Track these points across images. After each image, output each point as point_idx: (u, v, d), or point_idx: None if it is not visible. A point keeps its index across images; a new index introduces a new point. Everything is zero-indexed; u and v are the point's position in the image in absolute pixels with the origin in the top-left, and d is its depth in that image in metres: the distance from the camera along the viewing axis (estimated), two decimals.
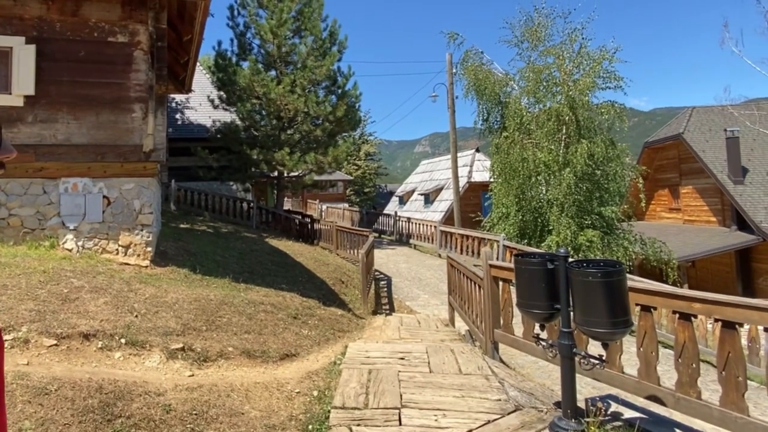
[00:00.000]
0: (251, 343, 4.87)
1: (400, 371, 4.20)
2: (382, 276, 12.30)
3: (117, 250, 7.02)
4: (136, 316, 4.78)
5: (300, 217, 17.38)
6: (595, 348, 4.05)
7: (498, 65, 17.53)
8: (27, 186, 6.75)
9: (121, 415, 3.20)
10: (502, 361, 5.24)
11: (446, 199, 24.34)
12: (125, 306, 4.97)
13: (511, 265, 4.60)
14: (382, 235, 21.26)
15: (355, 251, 12.93)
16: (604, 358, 3.39)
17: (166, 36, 7.43)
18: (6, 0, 6.59)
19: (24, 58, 6.56)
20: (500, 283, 5.27)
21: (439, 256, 15.85)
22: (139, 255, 7.08)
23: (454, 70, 18.82)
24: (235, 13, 16.91)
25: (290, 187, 18.46)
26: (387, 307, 9.55)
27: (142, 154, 7.09)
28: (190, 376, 3.98)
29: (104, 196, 7.03)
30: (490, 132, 17.05)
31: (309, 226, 16.36)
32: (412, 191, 29.51)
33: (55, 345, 3.99)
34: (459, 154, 21.07)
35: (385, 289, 11.03)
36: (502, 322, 5.15)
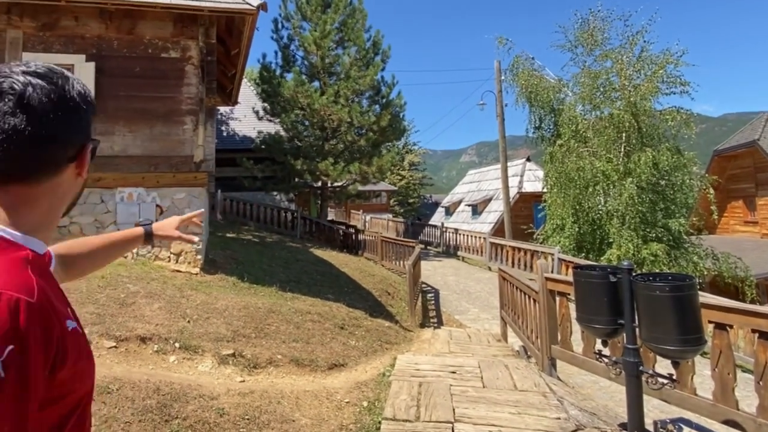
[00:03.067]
0: (299, 351, 5.01)
1: (451, 385, 4.19)
2: (429, 288, 12.28)
3: (169, 257, 7.43)
4: (189, 322, 5.05)
5: (344, 227, 17.65)
6: (663, 368, 3.88)
7: (550, 71, 17.22)
8: (86, 195, 7.28)
9: (178, 417, 3.38)
10: (559, 378, 5.11)
11: (495, 210, 24.00)
12: (178, 311, 5.25)
13: (569, 278, 4.50)
14: (428, 247, 21.21)
15: (401, 262, 12.97)
16: (674, 377, 3.26)
17: (216, 50, 7.86)
18: (68, 21, 7.21)
19: (84, 75, 7.11)
20: (557, 297, 5.17)
21: (489, 269, 15.63)
22: (189, 262, 7.46)
23: (502, 77, 18.67)
24: (280, 26, 17.65)
25: (334, 197, 18.82)
26: (435, 320, 9.52)
27: (193, 165, 7.52)
28: (241, 381, 4.15)
29: (157, 205, 7.49)
30: (543, 140, 16.73)
31: (353, 236, 16.58)
32: (459, 202, 29.30)
33: (115, 347, 4.28)
34: (509, 164, 20.76)
35: (433, 302, 11.00)
36: (559, 337, 5.04)
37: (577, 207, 14.66)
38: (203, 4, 7.21)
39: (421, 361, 5.04)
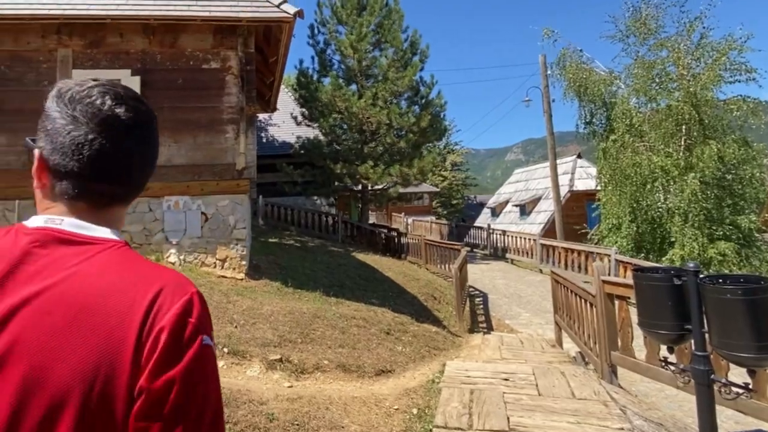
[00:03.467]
0: (346, 357, 5.09)
1: (504, 393, 4.15)
2: (477, 292, 12.17)
3: (214, 263, 7.74)
4: (236, 327, 5.24)
5: (386, 230, 17.76)
6: (737, 376, 3.69)
7: (600, 63, 16.70)
8: (135, 204, 7.68)
9: (229, 421, 3.52)
10: (621, 386, 4.95)
11: (545, 210, 23.45)
12: (225, 317, 5.47)
13: (629, 281, 4.37)
14: (474, 249, 20.99)
15: (447, 266, 12.91)
16: (750, 386, 3.09)
17: (254, 59, 8.16)
18: (114, 37, 7.68)
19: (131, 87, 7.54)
20: (616, 300, 5.02)
21: (540, 271, 15.32)
22: (234, 268, 7.74)
23: (548, 72, 18.27)
24: (315, 31, 18.04)
25: (374, 200, 18.97)
26: (484, 325, 9.42)
27: (235, 173, 7.82)
28: (289, 387, 4.27)
29: (202, 213, 7.83)
30: (594, 136, 16.23)
31: (395, 239, 16.65)
32: (506, 202, 28.82)
33: None
34: (558, 161, 20.25)
35: (482, 307, 10.90)
36: (620, 343, 4.88)
37: (635, 205, 14.13)
38: (242, 14, 7.52)
39: (471, 368, 5.01)
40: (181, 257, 7.67)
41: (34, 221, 0.75)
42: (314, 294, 7.60)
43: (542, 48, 17.61)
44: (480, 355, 6.16)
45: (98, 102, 0.74)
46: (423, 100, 17.14)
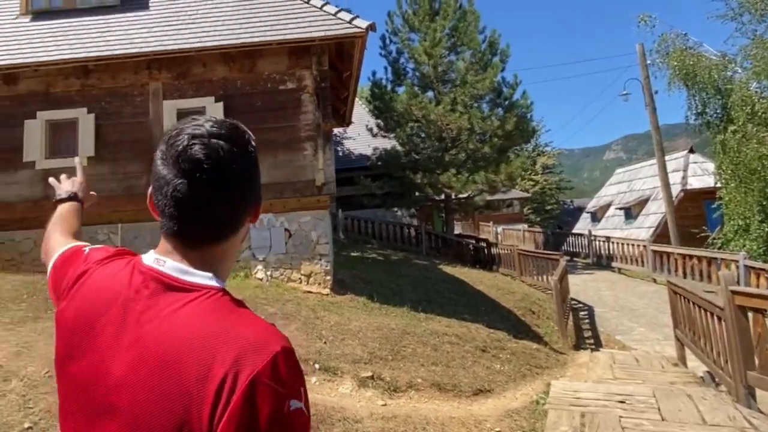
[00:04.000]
0: (440, 375, 5.04)
1: (621, 417, 3.88)
2: (581, 305, 11.59)
3: (300, 278, 8.07)
4: (325, 343, 5.39)
5: (473, 241, 17.52)
6: None
7: (708, 46, 15.34)
8: None
9: None
10: (760, 411, 4.42)
11: (654, 213, 21.84)
12: (314, 332, 5.65)
13: (765, 292, 3.93)
14: (575, 258, 20.04)
15: (544, 277, 12.44)
16: None
17: (329, 76, 8.56)
18: (198, 68, 8.48)
19: (215, 114, 8.15)
20: (749, 313, 4.55)
21: (654, 281, 14.27)
22: (319, 283, 8.01)
23: (648, 61, 17.14)
24: (387, 41, 18.37)
25: (459, 209, 18.77)
26: (591, 341, 8.92)
27: (315, 189, 8.17)
28: (382, 405, 4.30)
29: (285, 229, 8.23)
30: (708, 127, 14.87)
31: (485, 250, 16.34)
32: (608, 205, 27.24)
33: None
34: (666, 158, 18.81)
35: (587, 321, 10.34)
36: (757, 362, 4.41)
37: (765, 203, 12.72)
38: (314, 34, 7.95)
39: (580, 388, 4.75)
40: (268, 273, 8.08)
41: (147, 258, 0.83)
42: (402, 309, 7.64)
43: (639, 36, 16.54)
44: (589, 374, 5.83)
45: (181, 145, 0.78)
46: (506, 102, 16.82)
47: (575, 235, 22.48)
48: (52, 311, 4.02)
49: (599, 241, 19.32)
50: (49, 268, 1.02)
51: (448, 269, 12.72)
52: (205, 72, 8.46)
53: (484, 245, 16.75)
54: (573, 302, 11.42)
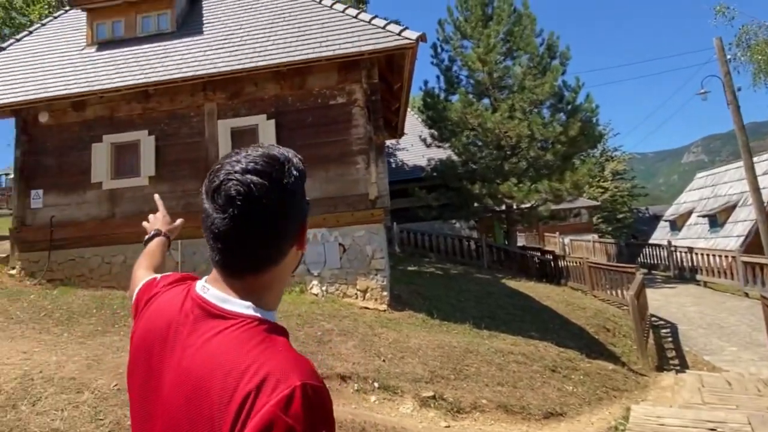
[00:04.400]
0: (506, 396, 4.89)
1: None
2: (662, 322, 10.99)
3: (355, 294, 8.13)
4: (384, 361, 5.37)
5: (539, 253, 17.04)
6: None
7: None
8: None
9: None
10: None
11: (744, 220, 20.44)
12: (372, 350, 5.64)
13: None
14: (653, 271, 19.06)
15: (618, 292, 11.90)
16: None
17: (379, 89, 8.71)
18: (250, 87, 8.89)
19: (267, 131, 8.64)
20: None
21: (746, 295, 13.31)
22: (376, 299, 8.03)
23: (728, 56, 16.18)
24: (438, 50, 18.34)
25: (522, 220, 18.35)
26: (676, 362, 8.40)
27: (369, 202, 8.25)
28: (446, 426, 4.22)
29: (340, 244, 8.33)
30: None
31: (551, 263, 15.85)
32: (689, 213, 25.78)
33: None
34: (755, 159, 17.62)
35: (670, 339, 9.77)
36: None
37: None
38: (363, 48, 8.12)
39: (664, 414, 4.46)
40: (323, 288, 8.20)
41: (198, 285, 0.92)
42: (463, 326, 7.52)
43: (716, 29, 15.75)
44: (674, 398, 5.48)
45: (217, 180, 0.84)
46: (569, 107, 16.38)
47: (652, 245, 21.40)
48: (119, 326, 4.38)
49: (680, 251, 18.29)
50: (132, 300, 1.15)
51: (512, 283, 12.42)
52: (257, 91, 8.85)
53: (551, 258, 16.24)
54: (653, 319, 10.84)
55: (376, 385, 4.74)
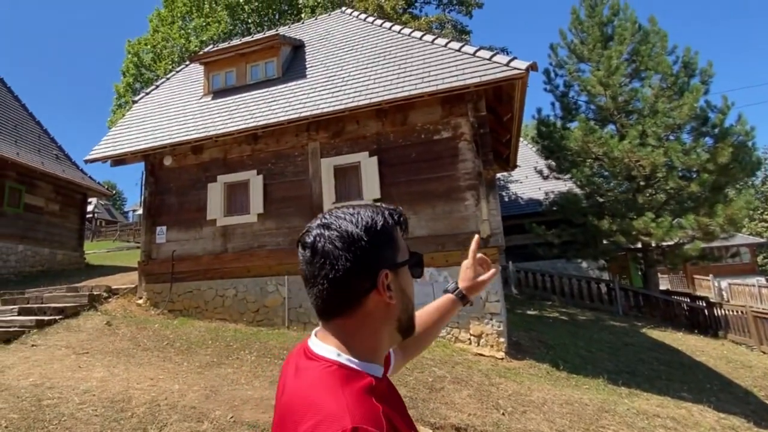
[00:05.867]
0: None
1: None
2: None
3: (469, 339, 7.81)
4: (503, 414, 5.01)
5: (687, 299, 15.45)
6: None
7: None
8: None
9: None
10: None
11: None
12: (489, 401, 5.31)
13: None
14: None
15: None
16: None
17: (487, 122, 8.58)
18: (351, 126, 9.27)
19: (369, 168, 8.88)
20: None
21: None
22: (492, 345, 7.64)
23: None
24: (552, 75, 18.03)
25: (664, 260, 16.80)
26: None
27: (481, 241, 7.93)
28: None
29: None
30: None
31: (704, 311, 14.26)
32: None
33: None
34: None
35: None
36: None
37: None
38: (469, 81, 8.08)
39: None
40: None
41: (313, 332, 1.08)
42: (596, 381, 6.90)
43: None
44: None
45: (304, 230, 1.04)
46: (715, 130, 14.95)
47: None
48: (232, 358, 4.68)
49: None
50: None
51: (654, 334, 11.29)
52: (358, 129, 9.18)
53: (704, 305, 14.60)
54: None
55: None
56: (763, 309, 14.29)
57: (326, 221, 1.01)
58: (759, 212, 32.36)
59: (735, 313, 13.62)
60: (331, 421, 0.82)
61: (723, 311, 14.17)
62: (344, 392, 0.88)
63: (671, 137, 15.07)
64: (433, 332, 1.41)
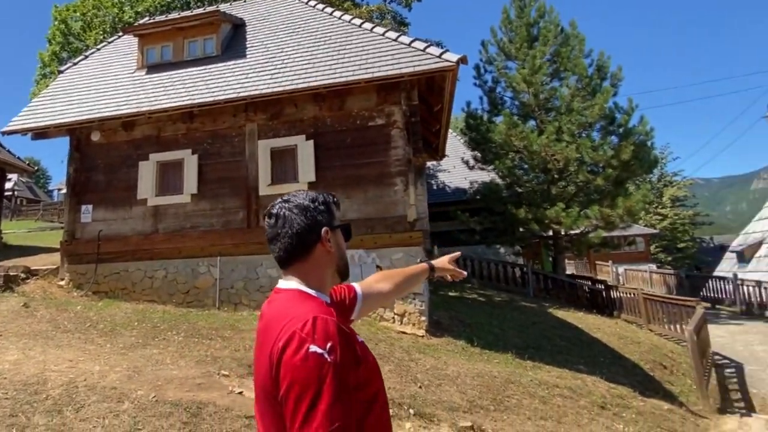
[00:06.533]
0: (549, 431, 4.72)
1: None
2: (726, 361, 10.45)
3: (393, 318, 8.10)
4: (420, 387, 5.31)
5: (589, 282, 16.52)
6: None
7: None
8: None
9: None
10: None
11: None
12: (408, 375, 5.59)
13: None
14: (716, 306, 18.22)
15: (677, 327, 11.42)
16: None
17: (418, 111, 8.81)
18: (290, 109, 9.22)
19: (305, 152, 8.91)
20: None
21: None
22: (414, 324, 7.97)
23: None
24: (482, 71, 18.45)
25: (571, 247, 17.90)
26: (741, 404, 7.94)
27: (407, 225, 8.29)
28: None
29: (377, 266, 8.33)
30: None
31: (603, 293, 15.33)
32: (759, 244, 24.48)
33: None
34: None
35: (735, 380, 9.25)
36: None
37: None
38: (403, 70, 8.29)
39: None
40: None
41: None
42: (505, 356, 7.37)
43: None
44: None
45: (268, 207, 1.40)
46: (621, 129, 16.00)
47: (717, 278, 20.45)
48: (158, 339, 4.59)
49: (748, 286, 17.42)
50: None
51: (559, 313, 12.08)
52: (296, 112, 9.15)
53: (602, 288, 15.69)
54: (716, 357, 10.31)
55: (411, 411, 4.67)
56: (651, 292, 15.58)
57: (286, 198, 1.38)
58: (654, 206, 34.89)
59: (628, 295, 14.77)
60: (299, 319, 1.12)
61: (618, 293, 15.32)
62: (306, 304, 1.22)
63: (583, 134, 15.96)
64: (402, 287, 1.75)
